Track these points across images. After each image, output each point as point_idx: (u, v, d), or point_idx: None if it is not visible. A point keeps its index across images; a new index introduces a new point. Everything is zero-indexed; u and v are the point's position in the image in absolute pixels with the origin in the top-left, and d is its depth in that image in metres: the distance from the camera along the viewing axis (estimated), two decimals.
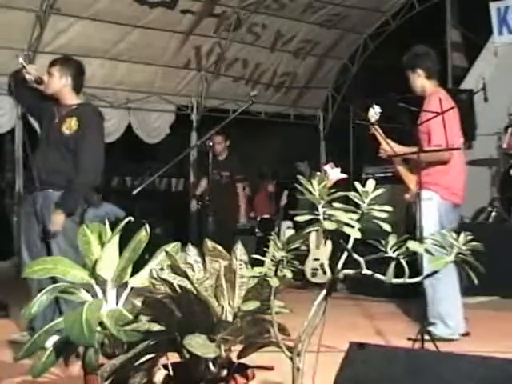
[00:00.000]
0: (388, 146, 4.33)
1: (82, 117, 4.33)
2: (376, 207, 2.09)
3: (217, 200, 6.40)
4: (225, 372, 2.33)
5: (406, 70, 4.51)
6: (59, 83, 4.42)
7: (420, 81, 4.42)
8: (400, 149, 4.39)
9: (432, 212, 4.25)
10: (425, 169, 4.25)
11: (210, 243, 2.44)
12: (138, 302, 2.48)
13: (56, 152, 4.25)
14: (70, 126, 4.30)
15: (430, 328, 4.19)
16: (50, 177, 4.19)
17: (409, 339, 3.82)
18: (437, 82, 4.47)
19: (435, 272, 2.12)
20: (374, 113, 4.26)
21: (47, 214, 4.15)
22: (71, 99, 4.43)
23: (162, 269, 2.35)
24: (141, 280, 2.69)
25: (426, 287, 4.15)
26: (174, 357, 2.40)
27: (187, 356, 2.30)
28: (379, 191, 2.09)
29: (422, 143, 4.18)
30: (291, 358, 2.18)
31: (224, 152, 7.79)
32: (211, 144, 4.95)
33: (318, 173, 2.13)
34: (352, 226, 2.07)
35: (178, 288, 2.27)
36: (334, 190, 2.10)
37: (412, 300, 5.57)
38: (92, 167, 4.33)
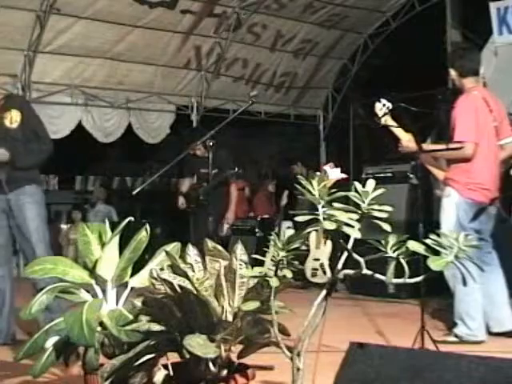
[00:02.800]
0: (409, 142, 4.22)
1: (20, 106, 4.37)
2: (376, 207, 2.09)
3: (209, 199, 6.34)
4: (225, 372, 2.33)
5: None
6: None
7: (456, 79, 4.39)
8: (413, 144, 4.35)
9: (450, 210, 4.24)
10: (449, 164, 4.28)
11: (210, 243, 2.44)
12: (138, 302, 2.48)
13: (5, 146, 4.18)
14: (12, 118, 4.26)
15: (454, 329, 4.22)
16: (11, 174, 4.18)
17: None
18: (474, 79, 4.38)
19: (434, 272, 2.12)
20: (381, 107, 4.24)
21: (20, 209, 4.19)
22: None
23: (161, 269, 2.35)
24: (141, 280, 2.69)
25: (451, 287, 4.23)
26: (174, 357, 2.40)
27: (187, 356, 2.30)
28: (379, 191, 2.09)
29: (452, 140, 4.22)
30: (291, 358, 2.18)
31: (206, 152, 7.55)
32: (211, 144, 4.94)
33: (318, 173, 2.13)
34: (352, 226, 2.07)
35: (178, 288, 2.27)
36: (334, 190, 2.09)
37: (412, 300, 5.59)
38: (48, 136, 4.47)
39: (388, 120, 4.26)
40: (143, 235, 2.72)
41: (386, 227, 2.10)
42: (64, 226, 11.03)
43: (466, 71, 4.34)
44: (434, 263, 2.03)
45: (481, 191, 4.25)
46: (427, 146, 4.37)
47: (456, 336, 4.19)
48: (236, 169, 6.80)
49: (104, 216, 9.51)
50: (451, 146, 4.17)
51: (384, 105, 4.25)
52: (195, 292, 2.23)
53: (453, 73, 4.37)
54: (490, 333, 4.36)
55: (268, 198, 10.01)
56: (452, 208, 4.24)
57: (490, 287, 4.32)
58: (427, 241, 2.08)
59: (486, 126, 4.26)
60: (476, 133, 4.18)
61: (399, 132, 4.29)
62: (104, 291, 2.71)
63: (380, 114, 4.26)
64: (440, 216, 4.30)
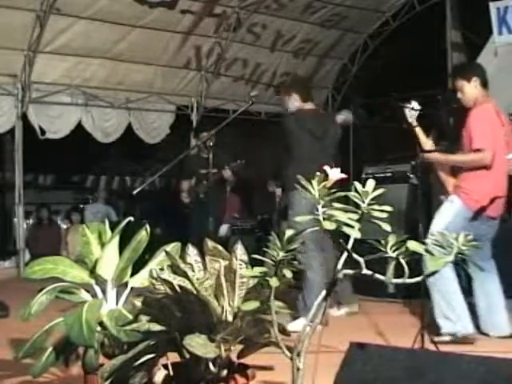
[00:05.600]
0: (431, 153, 4.27)
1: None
2: (376, 207, 2.08)
3: (209, 199, 6.32)
4: (225, 372, 2.33)
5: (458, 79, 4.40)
6: None
7: (475, 88, 4.34)
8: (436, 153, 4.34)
9: (447, 214, 4.23)
10: (460, 173, 4.29)
11: (210, 243, 2.44)
12: (138, 302, 2.48)
13: None
14: None
15: (442, 330, 4.22)
16: None
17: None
18: (486, 92, 4.40)
19: (434, 272, 2.12)
20: (410, 110, 4.21)
21: None
22: None
23: (161, 269, 2.35)
24: (141, 280, 2.69)
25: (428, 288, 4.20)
26: (174, 357, 2.40)
27: (187, 356, 2.30)
28: (379, 191, 2.09)
29: (464, 147, 4.23)
30: (291, 358, 2.18)
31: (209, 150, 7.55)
32: (211, 144, 4.94)
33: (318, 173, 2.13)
34: (352, 226, 2.07)
35: (178, 288, 2.27)
36: (334, 190, 2.09)
37: (412, 300, 5.59)
38: None
39: (417, 126, 4.24)
40: (143, 235, 2.72)
41: (386, 227, 2.10)
42: (64, 226, 11.03)
43: (484, 82, 4.36)
44: (433, 263, 2.03)
45: (483, 202, 4.26)
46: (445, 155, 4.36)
47: (449, 334, 4.20)
48: (238, 161, 6.78)
49: (103, 216, 9.52)
50: (471, 154, 4.19)
51: (413, 108, 4.22)
52: (195, 292, 2.23)
53: (477, 81, 4.32)
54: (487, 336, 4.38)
55: (268, 198, 9.98)
56: (450, 213, 4.23)
57: (488, 294, 4.37)
58: (427, 241, 2.08)
59: (498, 138, 4.29)
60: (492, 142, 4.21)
61: (422, 137, 4.30)
62: (104, 291, 2.71)
63: (410, 118, 4.23)
64: (434, 216, 4.30)
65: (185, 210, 7.44)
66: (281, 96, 5.50)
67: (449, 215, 4.23)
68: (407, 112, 4.25)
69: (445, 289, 4.18)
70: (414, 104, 4.23)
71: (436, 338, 4.00)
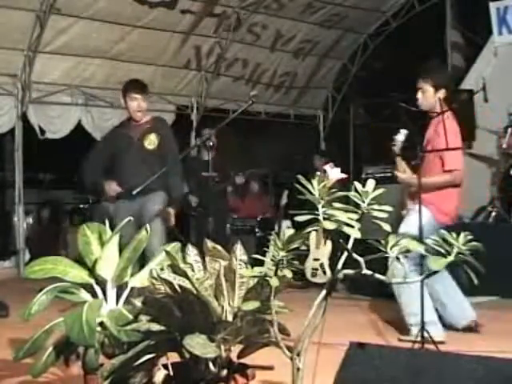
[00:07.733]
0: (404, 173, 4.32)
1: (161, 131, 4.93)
2: (376, 207, 2.09)
3: (208, 201, 6.34)
4: (225, 372, 2.34)
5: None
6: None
7: (444, 98, 4.32)
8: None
9: (415, 222, 4.03)
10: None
11: (209, 243, 2.44)
12: (138, 302, 2.48)
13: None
14: (151, 141, 4.90)
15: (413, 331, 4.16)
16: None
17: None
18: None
19: (435, 272, 2.12)
20: (401, 139, 4.22)
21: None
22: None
23: (162, 269, 2.36)
24: (141, 280, 2.69)
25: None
26: (174, 357, 2.40)
27: (187, 356, 2.30)
28: (379, 191, 2.09)
29: (432, 166, 4.21)
30: (291, 358, 2.18)
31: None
32: (211, 144, 4.94)
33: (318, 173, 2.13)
34: (352, 226, 2.07)
35: (178, 288, 2.27)
36: (334, 190, 2.10)
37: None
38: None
39: (398, 155, 4.30)
40: (143, 235, 2.72)
41: (386, 227, 2.10)
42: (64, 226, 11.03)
43: (448, 94, 4.33)
44: (434, 263, 2.03)
45: (448, 214, 4.28)
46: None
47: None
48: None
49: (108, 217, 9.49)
50: (444, 175, 4.19)
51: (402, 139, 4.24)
52: (195, 292, 2.23)
53: (443, 94, 4.29)
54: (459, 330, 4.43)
55: (257, 199, 9.89)
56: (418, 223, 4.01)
57: (445, 290, 4.40)
58: (427, 240, 2.09)
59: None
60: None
61: (401, 167, 4.35)
62: (104, 291, 2.71)
63: (397, 146, 4.25)
64: (403, 224, 4.26)
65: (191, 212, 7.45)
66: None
67: (417, 224, 3.97)
68: (397, 141, 4.25)
69: (410, 296, 4.11)
70: (401, 135, 4.22)
71: (403, 337, 4.01)
